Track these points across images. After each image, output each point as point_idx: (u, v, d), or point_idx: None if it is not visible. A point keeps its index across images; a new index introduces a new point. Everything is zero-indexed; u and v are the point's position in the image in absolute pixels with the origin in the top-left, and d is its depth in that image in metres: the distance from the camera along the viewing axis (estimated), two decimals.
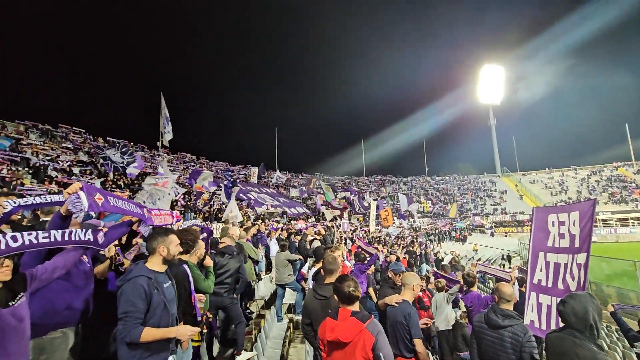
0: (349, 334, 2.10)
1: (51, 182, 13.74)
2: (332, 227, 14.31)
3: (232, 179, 20.91)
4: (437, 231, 33.89)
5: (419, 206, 38.02)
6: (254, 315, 6.19)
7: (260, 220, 16.45)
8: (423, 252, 19.03)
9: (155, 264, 2.43)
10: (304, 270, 5.64)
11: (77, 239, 2.21)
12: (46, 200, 2.94)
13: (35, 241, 1.94)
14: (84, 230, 2.28)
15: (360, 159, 58.80)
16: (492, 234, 37.36)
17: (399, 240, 22.09)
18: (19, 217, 3.49)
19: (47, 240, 2.02)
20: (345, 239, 15.39)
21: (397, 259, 9.11)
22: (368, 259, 6.07)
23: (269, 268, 9.61)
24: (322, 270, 3.04)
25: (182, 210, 15.41)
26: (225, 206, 13.28)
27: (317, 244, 5.94)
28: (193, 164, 31.89)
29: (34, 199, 2.92)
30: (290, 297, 7.06)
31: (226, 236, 4.93)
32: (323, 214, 28.78)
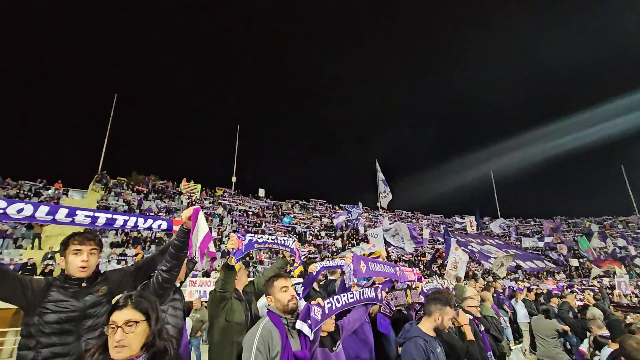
0: None
1: (309, 245, 17.92)
2: (602, 287, 10.76)
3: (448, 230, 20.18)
4: None
5: None
6: None
7: (491, 277, 14.61)
8: None
9: (428, 328, 2.62)
10: (583, 348, 4.44)
11: (367, 297, 2.86)
12: (335, 264, 4.07)
13: (347, 301, 2.66)
14: (370, 288, 2.94)
15: (623, 189, 41.62)
16: None
17: None
18: None
19: (353, 299, 2.72)
20: (627, 305, 11.01)
21: None
22: None
23: (515, 336, 8.22)
24: (623, 357, 2.39)
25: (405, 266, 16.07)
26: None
27: (595, 312, 4.48)
28: (409, 219, 33.11)
29: (326, 264, 4.07)
30: None
31: (467, 298, 4.73)
32: (578, 268, 22.34)
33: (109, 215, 2.40)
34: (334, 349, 2.51)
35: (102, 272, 2.15)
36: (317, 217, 24.78)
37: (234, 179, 26.26)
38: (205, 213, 19.83)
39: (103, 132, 23.17)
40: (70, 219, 2.16)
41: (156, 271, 2.17)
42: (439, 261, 15.32)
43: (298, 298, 2.59)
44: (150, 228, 2.62)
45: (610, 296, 11.63)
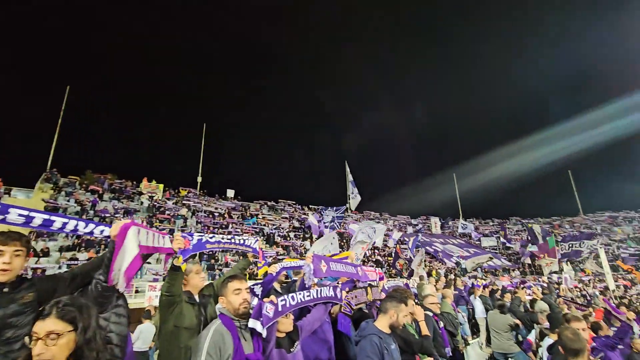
0: None
1: (277, 246, 17.73)
2: (550, 283, 11.56)
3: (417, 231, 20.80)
4: None
5: None
6: None
7: (454, 275, 15.26)
8: None
9: (384, 325, 2.66)
10: (531, 338, 4.74)
11: (325, 295, 2.84)
12: (293, 265, 4.01)
13: (304, 299, 2.62)
14: (329, 287, 2.92)
15: (570, 192, 45.63)
16: None
17: None
18: None
19: (310, 297, 2.68)
20: (572, 299, 11.95)
21: None
22: (615, 329, 4.51)
23: (473, 331, 8.60)
24: (559, 347, 2.55)
25: (373, 267, 16.38)
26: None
27: (542, 305, 4.85)
28: (377, 220, 33.76)
29: (287, 264, 4.01)
30: None
31: (428, 296, 4.87)
32: (532, 265, 23.87)
33: (46, 216, 2.21)
34: (291, 350, 2.46)
35: (29, 277, 1.96)
36: (286, 218, 24.58)
37: (199, 179, 25.40)
38: (168, 214, 18.99)
39: (53, 127, 21.50)
40: (2, 217, 1.98)
41: (94, 279, 1.99)
42: (401, 262, 15.73)
43: (252, 301, 2.52)
44: (91, 233, 2.44)
45: (557, 291, 12.54)
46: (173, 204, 20.40)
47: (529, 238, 28.09)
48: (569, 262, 17.04)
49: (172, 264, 2.50)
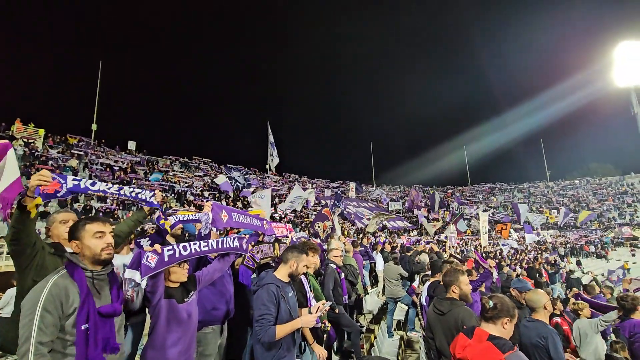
0: None
1: (190, 205, 16.70)
2: (440, 241, 13.43)
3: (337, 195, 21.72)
4: (567, 245, 28.75)
5: (541, 217, 32.89)
6: (363, 329, 6.21)
7: (362, 234, 16.59)
8: (553, 270, 16.24)
9: (283, 274, 2.68)
10: (415, 284, 5.45)
11: (228, 246, 2.67)
12: (190, 217, 3.68)
13: (199, 249, 2.40)
14: (232, 238, 2.75)
15: (463, 166, 53.47)
16: None
17: (518, 255, 19.41)
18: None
19: (207, 248, 2.47)
20: (454, 253, 14.33)
21: (517, 275, 8.18)
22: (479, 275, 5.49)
23: (373, 282, 9.59)
24: (444, 285, 2.92)
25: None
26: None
27: (425, 257, 5.69)
28: (296, 183, 34.29)
29: (183, 217, 3.66)
30: (399, 312, 6.89)
31: (333, 250, 5.11)
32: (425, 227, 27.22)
33: None
34: (185, 299, 2.28)
35: None
36: (200, 176, 23.12)
37: (94, 127, 21.80)
38: (53, 166, 16.07)
39: None
40: None
41: None
42: (327, 224, 16.46)
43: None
44: None
45: (444, 247, 14.80)
46: (58, 152, 17.22)
47: (428, 203, 32.07)
48: (454, 224, 20.07)
49: (19, 202, 1.93)
